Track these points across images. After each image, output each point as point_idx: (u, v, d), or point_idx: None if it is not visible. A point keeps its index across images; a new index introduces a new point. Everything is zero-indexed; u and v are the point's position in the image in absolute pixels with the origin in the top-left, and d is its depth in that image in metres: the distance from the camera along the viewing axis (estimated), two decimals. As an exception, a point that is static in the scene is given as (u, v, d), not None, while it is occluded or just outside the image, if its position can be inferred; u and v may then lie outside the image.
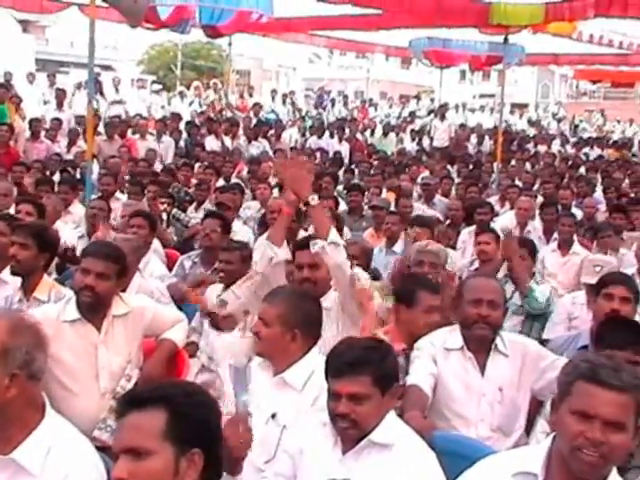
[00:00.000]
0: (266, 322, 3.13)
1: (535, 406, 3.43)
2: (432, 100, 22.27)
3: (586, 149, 18.41)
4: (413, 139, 17.02)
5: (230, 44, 16.04)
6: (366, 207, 8.27)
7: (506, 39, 12.56)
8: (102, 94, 15.49)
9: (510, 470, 2.25)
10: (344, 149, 14.53)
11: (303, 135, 16.03)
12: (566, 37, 13.67)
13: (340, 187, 9.75)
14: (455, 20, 12.21)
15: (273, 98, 20.57)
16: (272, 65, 36.71)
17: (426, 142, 16.91)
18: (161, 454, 1.90)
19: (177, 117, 14.68)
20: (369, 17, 12.72)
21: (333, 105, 21.92)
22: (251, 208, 8.27)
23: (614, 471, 2.19)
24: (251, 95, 20.44)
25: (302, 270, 4.06)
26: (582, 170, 13.41)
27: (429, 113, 20.76)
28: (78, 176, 8.98)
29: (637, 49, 14.87)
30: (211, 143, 12.95)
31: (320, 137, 15.39)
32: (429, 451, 2.66)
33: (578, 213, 8.30)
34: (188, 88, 20.58)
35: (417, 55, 16.51)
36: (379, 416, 2.64)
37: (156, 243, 5.85)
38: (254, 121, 16.01)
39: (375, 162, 12.63)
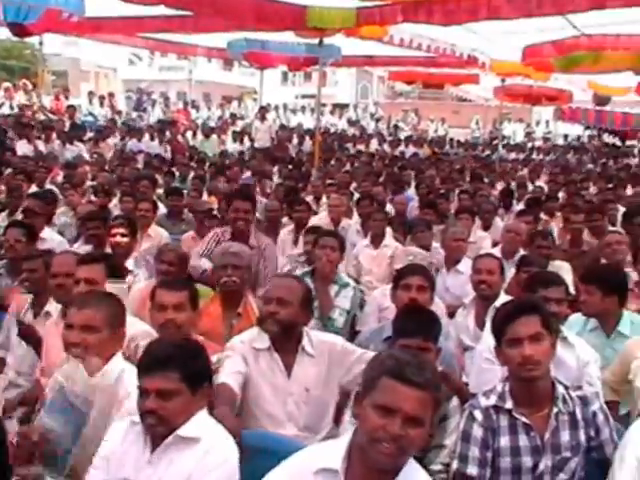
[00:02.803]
0: (92, 328, 3.06)
1: (343, 397, 3.55)
2: (254, 100, 22.44)
3: (402, 147, 19.24)
4: (235, 140, 17.10)
5: (41, 43, 15.36)
6: (186, 210, 8.23)
7: (321, 41, 12.89)
8: None
9: (312, 468, 2.32)
10: (164, 152, 14.36)
11: (122, 138, 15.63)
12: (377, 40, 14.15)
13: (160, 190, 9.62)
14: (272, 24, 12.33)
15: (90, 100, 19.90)
16: (91, 66, 35.44)
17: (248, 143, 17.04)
18: None
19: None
20: (185, 19, 12.58)
21: (153, 107, 21.55)
22: (66, 215, 7.99)
23: (411, 459, 2.31)
24: (67, 97, 19.66)
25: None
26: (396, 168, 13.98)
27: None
28: None
29: (443, 52, 15.66)
30: (23, 147, 12.35)
31: (140, 140, 15.13)
32: (233, 446, 2.69)
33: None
34: (-2, 89, 19.46)
35: (236, 57, 16.57)
36: (188, 414, 2.65)
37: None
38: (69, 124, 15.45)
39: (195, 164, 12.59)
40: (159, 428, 2.61)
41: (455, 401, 3.28)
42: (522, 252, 6.31)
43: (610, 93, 18.97)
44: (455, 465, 2.95)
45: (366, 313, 5.03)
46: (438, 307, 4.74)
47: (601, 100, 19.63)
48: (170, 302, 3.59)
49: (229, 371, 3.33)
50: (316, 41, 13.26)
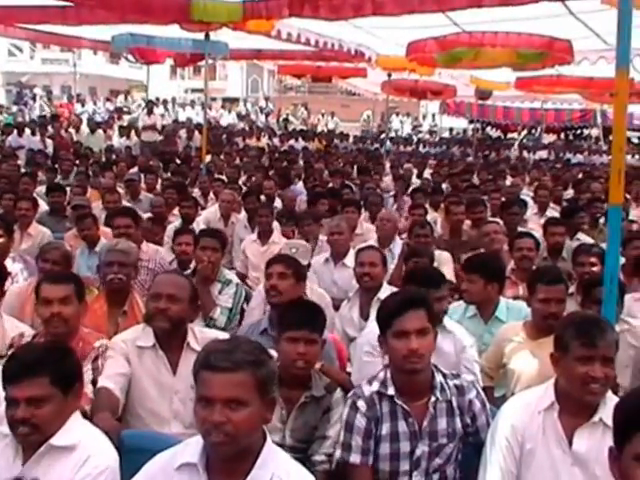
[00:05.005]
0: None
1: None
2: (143, 98, 22.04)
3: (292, 141, 19.30)
4: (121, 135, 16.73)
5: None
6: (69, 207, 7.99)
7: (207, 36, 12.75)
8: None
9: (173, 465, 2.29)
10: (47, 147, 13.89)
11: (2, 133, 15.02)
12: (265, 35, 14.11)
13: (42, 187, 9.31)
14: (155, 16, 12.09)
15: (-35, 94, 19.06)
16: (-35, 58, 33.89)
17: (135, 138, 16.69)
18: None
19: None
20: (66, 10, 12.14)
21: (35, 101, 20.81)
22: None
23: (268, 441, 2.28)
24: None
25: None
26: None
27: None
28: None
29: (331, 47, 15.78)
30: None
31: (20, 135, 14.57)
32: (113, 451, 2.65)
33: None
34: None
35: (121, 51, 16.16)
36: (62, 418, 2.59)
37: None
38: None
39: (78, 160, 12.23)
40: (33, 437, 2.52)
41: (339, 393, 3.33)
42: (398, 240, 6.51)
43: (491, 88, 19.60)
44: (338, 453, 3.00)
45: (251, 307, 5.01)
46: (323, 299, 4.80)
47: (483, 94, 20.26)
48: (56, 296, 3.50)
49: (110, 373, 3.27)
50: (202, 36, 13.11)
